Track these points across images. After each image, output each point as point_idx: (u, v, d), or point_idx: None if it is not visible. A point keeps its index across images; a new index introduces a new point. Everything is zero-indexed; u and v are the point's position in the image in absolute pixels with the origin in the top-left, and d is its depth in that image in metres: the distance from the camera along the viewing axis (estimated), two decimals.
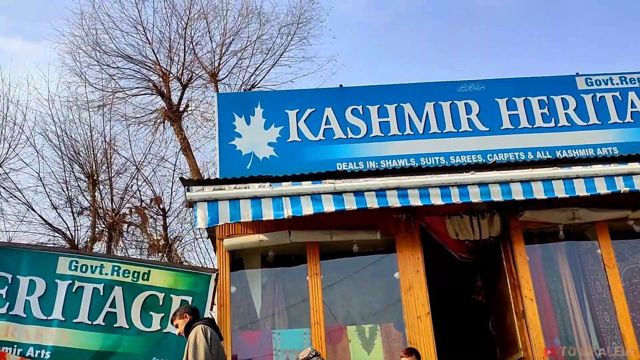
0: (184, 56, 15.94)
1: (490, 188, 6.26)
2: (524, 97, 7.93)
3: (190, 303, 6.19)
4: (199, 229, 15.06)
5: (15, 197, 13.52)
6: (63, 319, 6.00)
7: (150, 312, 6.21)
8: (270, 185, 6.27)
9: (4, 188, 13.48)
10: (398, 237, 6.83)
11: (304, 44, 16.81)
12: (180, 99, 15.88)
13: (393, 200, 6.21)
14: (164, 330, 6.15)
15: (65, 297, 6.06)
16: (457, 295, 8.19)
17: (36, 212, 13.61)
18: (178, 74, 15.90)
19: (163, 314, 6.20)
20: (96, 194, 14.24)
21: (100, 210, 14.12)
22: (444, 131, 7.74)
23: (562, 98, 7.94)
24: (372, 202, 6.20)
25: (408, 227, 6.84)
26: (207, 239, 13.66)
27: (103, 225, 14.24)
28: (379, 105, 7.87)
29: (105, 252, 13.45)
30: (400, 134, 7.73)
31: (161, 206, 15.09)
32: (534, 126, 7.80)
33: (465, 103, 7.89)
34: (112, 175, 14.56)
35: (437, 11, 28.62)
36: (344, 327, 6.60)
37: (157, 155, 15.38)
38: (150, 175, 15.08)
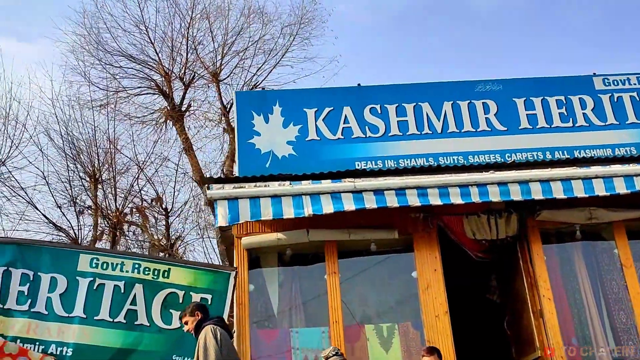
0: (186, 56, 15.86)
1: (510, 187, 6.26)
2: (542, 97, 7.93)
3: (209, 301, 6.22)
4: (204, 228, 15.20)
5: (19, 195, 13.56)
6: (84, 316, 6.00)
7: (171, 310, 6.22)
8: (290, 184, 6.27)
9: (7, 186, 13.51)
10: (416, 236, 6.84)
11: (306, 44, 16.73)
12: (183, 98, 15.81)
13: (413, 199, 6.20)
14: (183, 328, 6.17)
15: (86, 294, 6.07)
16: (472, 295, 8.18)
17: (39, 211, 13.65)
18: (180, 74, 15.82)
19: None
20: (99, 193, 14.25)
21: (103, 209, 14.11)
22: (462, 130, 7.74)
23: (579, 98, 7.95)
24: (392, 201, 6.20)
25: (426, 227, 6.84)
26: (216, 238, 13.69)
27: (106, 225, 14.24)
28: (397, 105, 7.87)
29: None
30: (419, 133, 7.74)
31: (163, 206, 15.12)
32: (552, 126, 7.80)
33: (483, 103, 7.90)
34: (115, 174, 14.57)
35: (437, 11, 28.65)
36: (362, 326, 6.60)
37: (159, 155, 15.41)
38: (152, 175, 15.11)
